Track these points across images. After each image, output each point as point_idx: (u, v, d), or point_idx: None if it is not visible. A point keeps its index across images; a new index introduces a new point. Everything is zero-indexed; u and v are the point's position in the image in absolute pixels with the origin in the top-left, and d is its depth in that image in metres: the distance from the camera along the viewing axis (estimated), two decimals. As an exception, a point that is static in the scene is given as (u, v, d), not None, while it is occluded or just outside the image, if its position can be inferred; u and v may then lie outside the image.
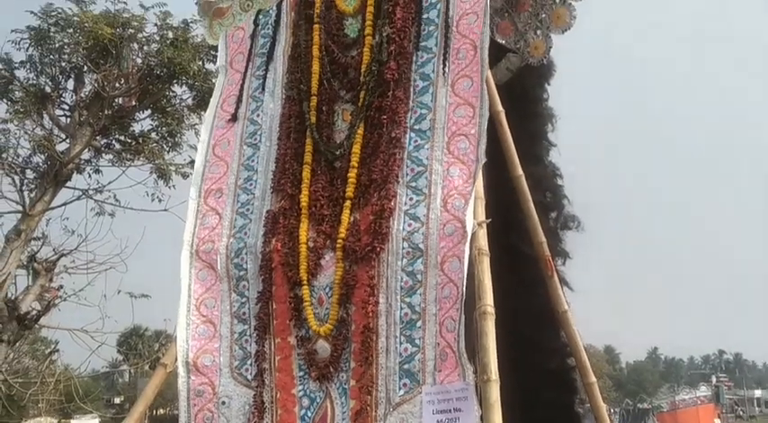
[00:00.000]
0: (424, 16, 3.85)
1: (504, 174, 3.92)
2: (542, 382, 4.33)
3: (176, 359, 3.79)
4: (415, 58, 3.80)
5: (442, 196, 3.43)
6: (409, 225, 3.45)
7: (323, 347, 3.51)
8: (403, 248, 3.42)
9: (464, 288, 3.20)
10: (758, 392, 79.86)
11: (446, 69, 3.68)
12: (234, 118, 4.26)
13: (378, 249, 3.45)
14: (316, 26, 4.04)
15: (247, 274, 3.83)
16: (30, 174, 11.25)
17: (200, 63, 11.36)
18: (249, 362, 3.71)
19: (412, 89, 3.74)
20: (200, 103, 11.40)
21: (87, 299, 11.04)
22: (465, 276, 3.21)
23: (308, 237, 3.67)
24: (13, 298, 10.44)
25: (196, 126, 11.57)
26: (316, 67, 3.95)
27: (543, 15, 4.31)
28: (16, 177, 11.07)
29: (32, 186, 11.14)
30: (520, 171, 3.96)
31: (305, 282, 3.59)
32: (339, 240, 3.56)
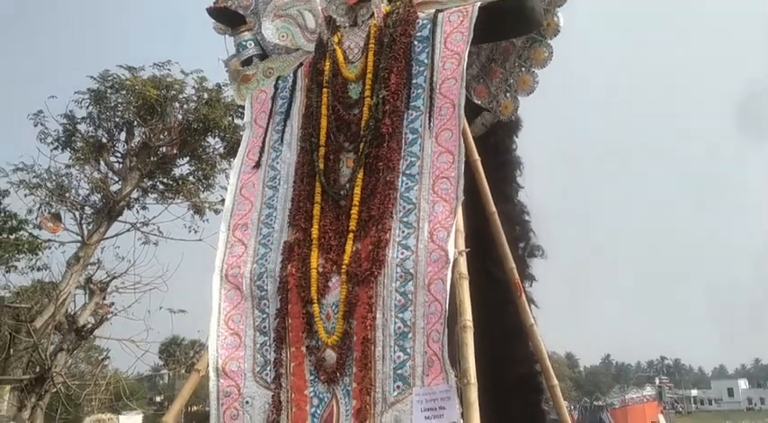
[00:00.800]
0: (414, 81, 3.88)
1: (480, 211, 3.94)
2: (514, 385, 4.29)
3: (208, 365, 3.75)
4: (406, 116, 3.81)
5: (429, 229, 3.42)
6: (402, 253, 3.44)
7: (330, 355, 3.49)
8: (396, 273, 3.41)
9: (447, 306, 3.18)
10: (694, 392, 79.72)
11: (431, 124, 3.69)
12: (258, 165, 4.26)
13: (376, 274, 3.43)
14: (325, 90, 4.05)
15: (267, 294, 3.81)
16: (88, 210, 11.37)
17: (230, 119, 11.52)
18: (269, 368, 3.67)
19: (403, 141, 3.75)
20: (230, 152, 11.54)
21: (134, 314, 11.07)
22: (448, 296, 3.20)
23: (318, 263, 3.66)
24: (72, 313, 10.46)
25: (226, 171, 11.70)
26: (324, 123, 3.96)
27: (512, 81, 4.40)
28: (77, 213, 11.19)
29: (90, 220, 11.25)
30: (493, 209, 3.97)
31: (315, 300, 3.57)
32: (344, 266, 3.55)
